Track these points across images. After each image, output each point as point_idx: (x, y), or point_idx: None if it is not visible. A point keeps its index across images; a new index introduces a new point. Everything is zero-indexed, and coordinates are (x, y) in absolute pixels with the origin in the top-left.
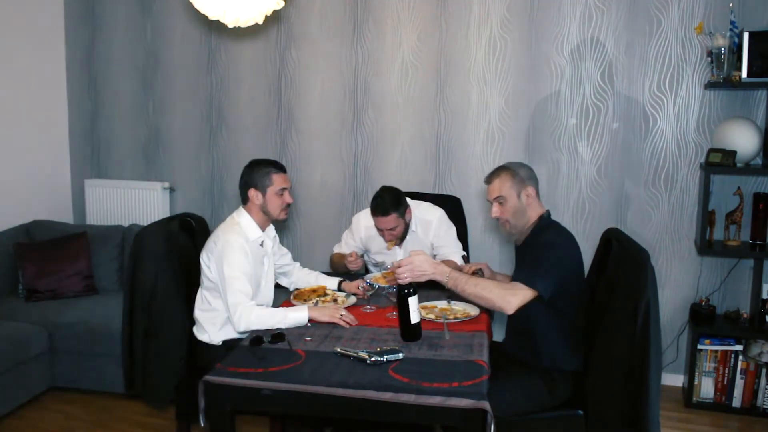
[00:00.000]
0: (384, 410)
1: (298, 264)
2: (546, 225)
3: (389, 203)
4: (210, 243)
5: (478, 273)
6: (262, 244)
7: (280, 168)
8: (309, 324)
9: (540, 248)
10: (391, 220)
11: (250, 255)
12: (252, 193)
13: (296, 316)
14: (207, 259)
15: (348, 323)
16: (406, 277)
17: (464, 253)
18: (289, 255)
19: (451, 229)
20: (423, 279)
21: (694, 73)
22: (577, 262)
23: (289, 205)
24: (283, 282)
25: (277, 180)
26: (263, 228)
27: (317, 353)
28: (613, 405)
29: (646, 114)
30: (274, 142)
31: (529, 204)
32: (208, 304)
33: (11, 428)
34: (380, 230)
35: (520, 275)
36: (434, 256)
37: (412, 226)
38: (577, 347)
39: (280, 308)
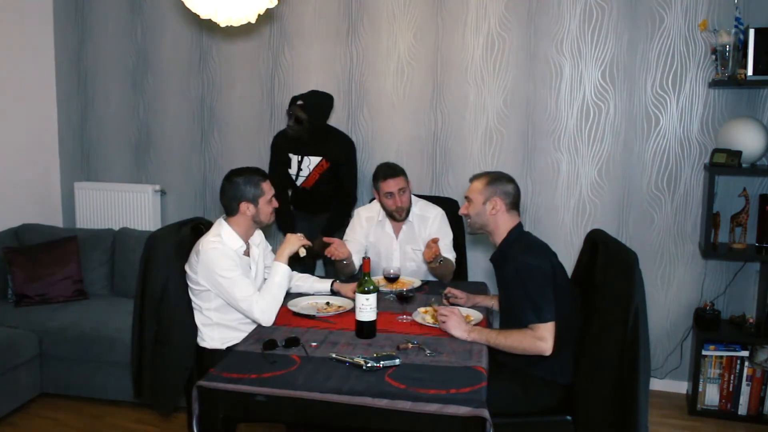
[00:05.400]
0: (380, 417)
1: None
2: (514, 239)
3: (397, 166)
4: (192, 257)
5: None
6: (245, 253)
7: (264, 175)
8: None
9: (520, 279)
10: (402, 180)
11: (236, 262)
12: (244, 206)
13: (281, 275)
14: (192, 273)
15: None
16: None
17: (454, 254)
18: None
19: (448, 232)
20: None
21: (698, 72)
22: (550, 272)
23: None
24: None
25: (266, 188)
26: (246, 238)
27: (312, 359)
28: (602, 410)
29: (648, 113)
30: (267, 143)
31: (493, 214)
32: (200, 309)
33: None
34: (391, 196)
35: (526, 316)
36: None
37: (410, 217)
38: (570, 359)
39: (270, 284)
